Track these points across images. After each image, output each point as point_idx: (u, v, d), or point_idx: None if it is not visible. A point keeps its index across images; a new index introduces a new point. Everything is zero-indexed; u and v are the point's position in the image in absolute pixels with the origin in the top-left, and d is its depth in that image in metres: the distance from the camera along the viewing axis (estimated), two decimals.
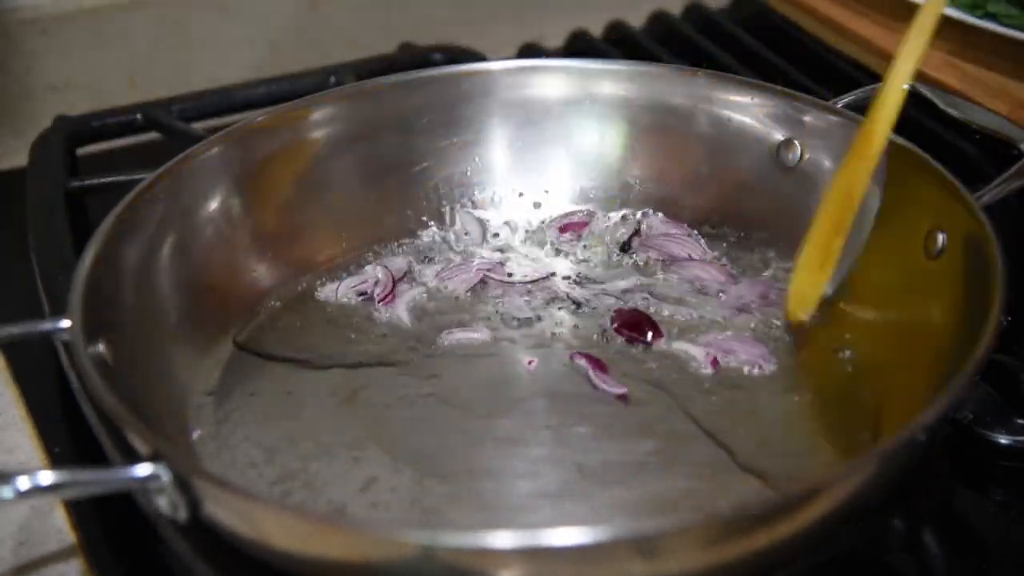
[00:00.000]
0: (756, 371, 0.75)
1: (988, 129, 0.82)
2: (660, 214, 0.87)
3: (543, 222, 0.88)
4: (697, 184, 0.87)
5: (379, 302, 0.81)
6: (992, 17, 1.00)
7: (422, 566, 0.56)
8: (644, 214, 0.87)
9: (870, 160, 0.75)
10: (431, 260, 0.85)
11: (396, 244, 0.86)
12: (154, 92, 1.07)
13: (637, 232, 0.86)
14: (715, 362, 0.75)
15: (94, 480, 0.60)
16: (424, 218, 0.88)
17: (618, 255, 0.85)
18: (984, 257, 0.69)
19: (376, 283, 0.82)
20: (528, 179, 0.90)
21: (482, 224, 0.88)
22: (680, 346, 0.77)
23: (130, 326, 0.71)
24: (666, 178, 0.88)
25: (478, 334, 0.79)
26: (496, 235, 0.88)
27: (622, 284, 0.83)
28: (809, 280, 0.77)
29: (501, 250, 0.86)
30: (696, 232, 0.86)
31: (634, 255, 0.85)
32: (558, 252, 0.86)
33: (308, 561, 0.59)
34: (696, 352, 0.76)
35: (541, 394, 0.75)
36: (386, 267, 0.84)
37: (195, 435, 0.71)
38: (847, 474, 0.60)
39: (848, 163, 0.76)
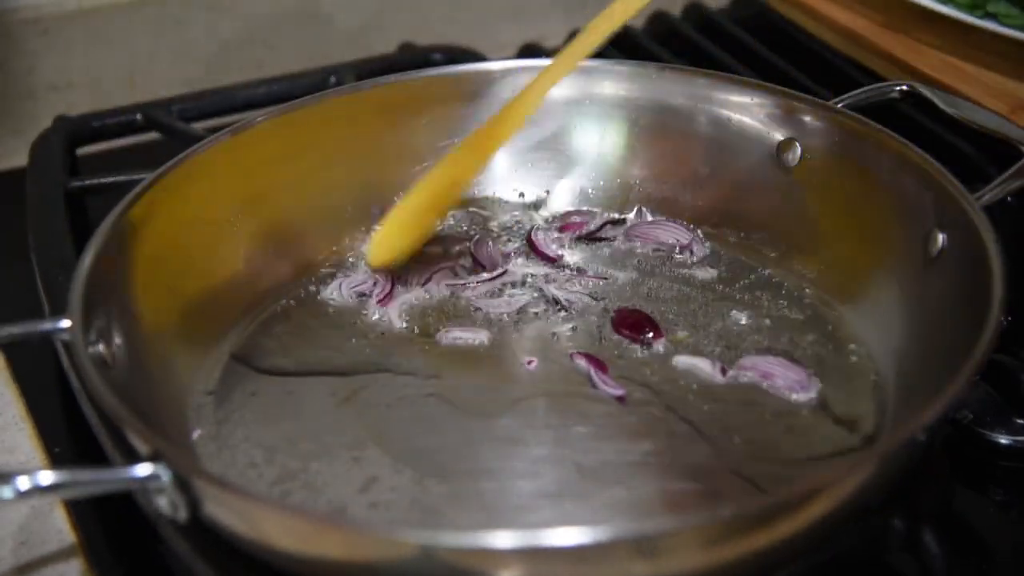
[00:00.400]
0: (800, 397, 0.73)
1: (988, 129, 0.82)
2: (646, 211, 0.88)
3: (543, 222, 0.88)
4: (697, 184, 0.87)
5: (378, 302, 0.81)
6: (992, 17, 1.00)
7: (422, 566, 0.56)
8: (639, 211, 0.88)
9: (485, 156, 0.79)
10: (430, 260, 0.85)
11: None
12: (154, 92, 1.07)
13: (617, 222, 0.87)
14: (723, 371, 0.75)
15: (94, 480, 0.61)
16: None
17: (617, 256, 0.85)
18: (984, 257, 0.69)
19: (375, 283, 0.83)
20: (528, 179, 0.90)
21: (482, 224, 0.88)
22: (690, 360, 0.76)
23: (130, 326, 0.71)
24: (666, 178, 0.88)
25: (476, 333, 0.79)
26: (496, 235, 0.88)
27: (623, 283, 0.83)
28: (396, 238, 0.80)
29: (501, 249, 0.86)
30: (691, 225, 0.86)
31: (632, 247, 0.85)
32: (559, 252, 0.86)
33: (308, 561, 0.59)
34: (703, 364, 0.76)
35: (541, 394, 0.75)
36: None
37: (195, 435, 0.71)
38: (847, 474, 0.60)
39: (464, 151, 0.79)
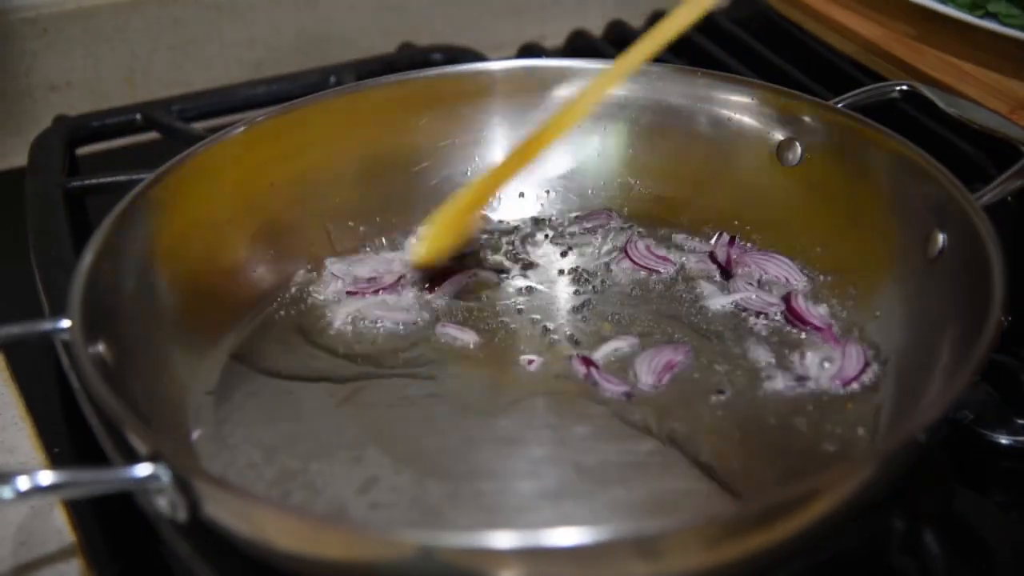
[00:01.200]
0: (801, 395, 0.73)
1: (988, 129, 0.82)
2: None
3: (544, 222, 0.88)
4: (697, 184, 0.87)
5: (375, 301, 0.81)
6: (992, 17, 1.00)
7: (422, 566, 0.56)
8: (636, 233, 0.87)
9: (530, 159, 0.79)
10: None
11: (396, 245, 0.86)
12: (154, 92, 1.07)
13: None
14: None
15: (94, 480, 0.60)
16: (424, 218, 0.88)
17: (619, 255, 0.85)
18: (984, 257, 0.68)
19: (376, 283, 0.82)
20: (528, 179, 0.89)
21: (482, 224, 0.88)
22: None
23: (130, 326, 0.71)
24: (666, 178, 0.88)
25: (472, 332, 0.79)
26: (497, 235, 0.87)
27: (622, 284, 0.83)
28: (442, 238, 0.81)
29: (501, 249, 0.86)
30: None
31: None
32: (559, 252, 0.86)
33: (308, 561, 0.59)
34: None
35: (541, 394, 0.74)
36: (385, 267, 0.84)
37: (195, 435, 0.71)
38: (847, 475, 0.60)
39: (512, 158, 0.80)
